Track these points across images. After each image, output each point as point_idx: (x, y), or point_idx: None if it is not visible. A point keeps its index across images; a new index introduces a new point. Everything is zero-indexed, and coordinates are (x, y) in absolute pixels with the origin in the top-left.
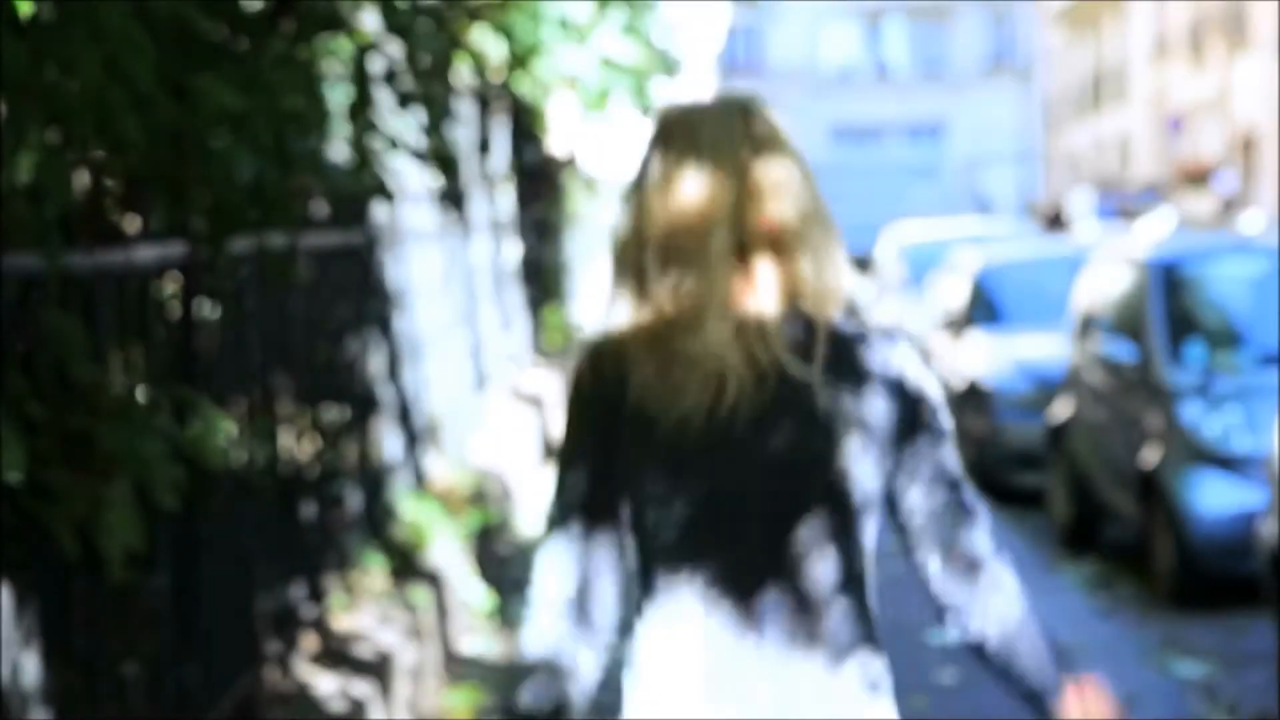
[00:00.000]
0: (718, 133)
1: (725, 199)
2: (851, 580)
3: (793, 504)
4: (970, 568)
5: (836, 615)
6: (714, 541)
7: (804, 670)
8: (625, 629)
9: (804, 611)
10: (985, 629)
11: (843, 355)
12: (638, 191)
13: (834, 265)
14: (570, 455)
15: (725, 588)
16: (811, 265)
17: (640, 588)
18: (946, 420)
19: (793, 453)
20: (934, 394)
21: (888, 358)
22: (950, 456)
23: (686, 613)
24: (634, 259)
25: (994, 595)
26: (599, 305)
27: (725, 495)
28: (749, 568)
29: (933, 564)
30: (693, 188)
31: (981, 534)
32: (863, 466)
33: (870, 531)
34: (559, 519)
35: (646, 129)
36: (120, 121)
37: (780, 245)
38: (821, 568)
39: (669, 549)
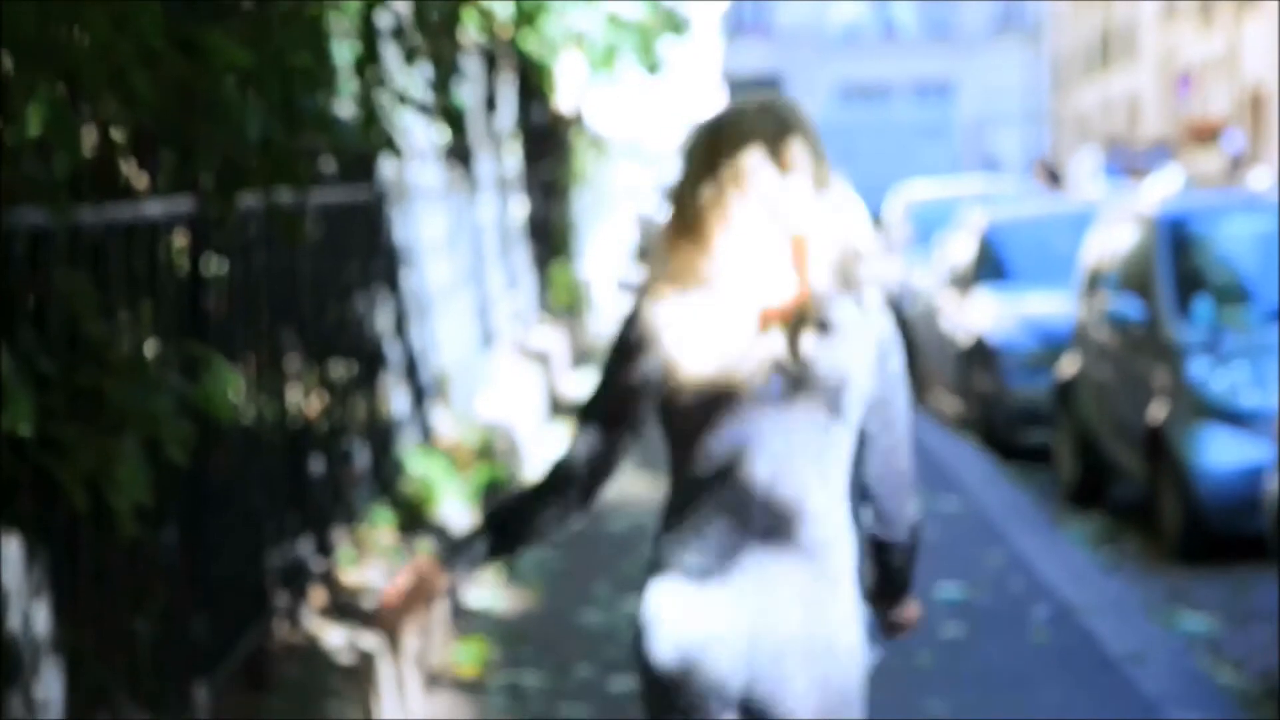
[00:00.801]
0: (755, 144)
1: (752, 203)
2: (838, 498)
3: (792, 440)
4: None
5: (827, 528)
6: (726, 470)
7: (789, 572)
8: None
9: (796, 525)
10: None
11: (837, 321)
12: (683, 184)
13: (842, 253)
14: (601, 382)
15: (734, 507)
16: (824, 257)
17: (667, 507)
18: (903, 370)
19: (795, 399)
20: (899, 349)
21: (869, 321)
22: (904, 399)
23: (700, 529)
24: (673, 239)
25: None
26: (641, 268)
27: (736, 436)
28: (755, 492)
29: (872, 485)
30: (728, 191)
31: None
32: (851, 409)
33: (848, 457)
34: (580, 423)
35: (685, 121)
36: (130, 76)
37: (800, 244)
38: (815, 493)
39: (689, 478)
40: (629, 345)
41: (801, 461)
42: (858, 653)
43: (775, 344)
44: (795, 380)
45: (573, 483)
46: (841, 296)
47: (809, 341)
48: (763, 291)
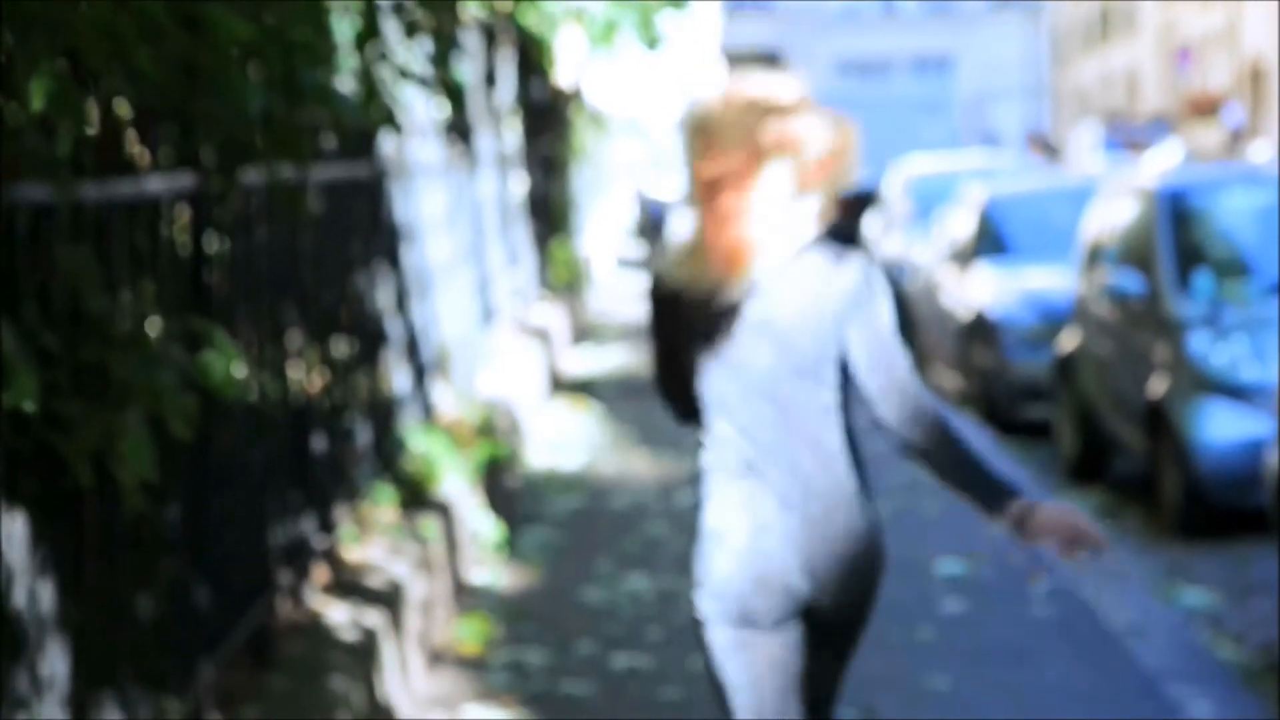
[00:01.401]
0: (738, 131)
1: (740, 178)
2: (830, 416)
3: (786, 375)
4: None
5: (823, 440)
6: (737, 398)
7: (798, 473)
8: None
9: (798, 438)
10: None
11: (823, 274)
12: (685, 159)
13: (820, 218)
14: (652, 338)
15: (748, 432)
16: (804, 219)
17: (703, 430)
18: (888, 317)
19: (786, 343)
20: (883, 297)
21: (851, 274)
22: (893, 342)
23: (727, 448)
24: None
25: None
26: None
27: (741, 371)
28: (762, 415)
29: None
30: (718, 169)
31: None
32: (832, 347)
33: (834, 388)
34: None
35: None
36: (132, 51)
37: (777, 208)
38: (807, 412)
39: (712, 405)
40: (654, 299)
41: (780, 400)
42: (872, 550)
43: (735, 290)
44: (759, 324)
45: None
46: (811, 254)
47: (763, 290)
48: (731, 247)
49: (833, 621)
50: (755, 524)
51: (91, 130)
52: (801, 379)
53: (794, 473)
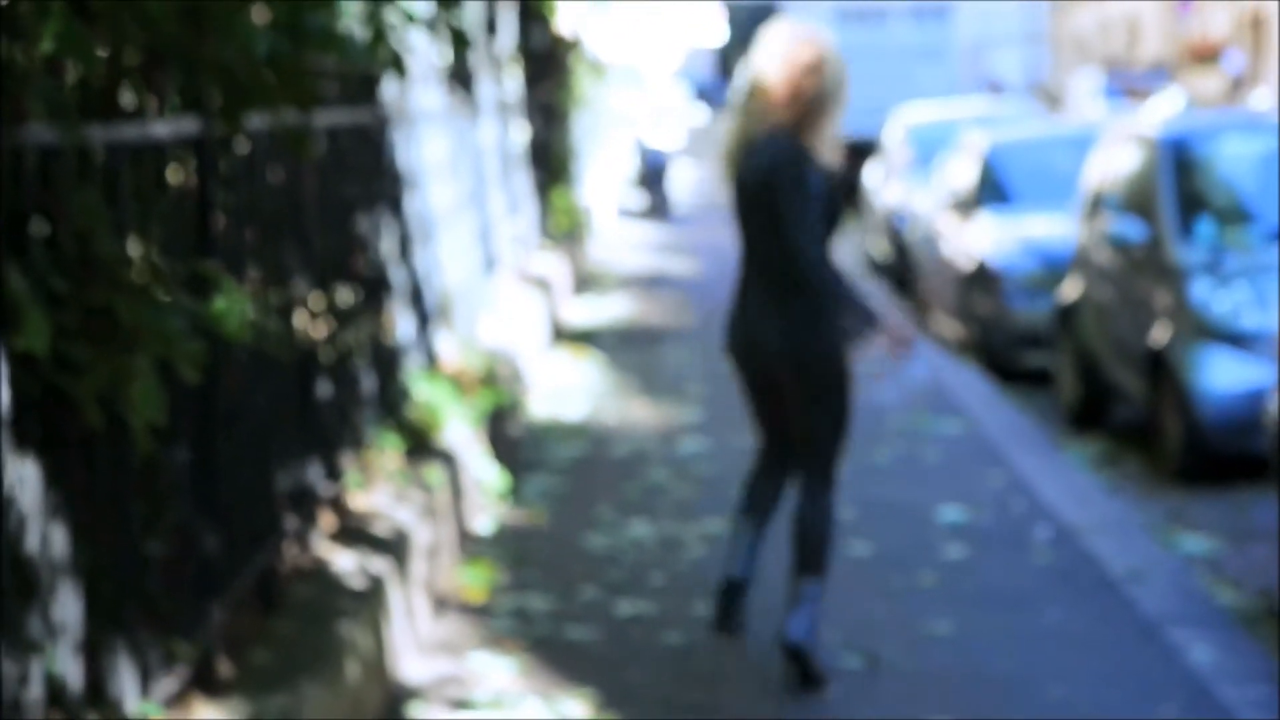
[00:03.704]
0: (777, 54)
1: (774, 88)
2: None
3: (778, 218)
4: None
5: (808, 269)
6: (749, 238)
7: (791, 295)
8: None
9: (791, 266)
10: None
11: (806, 158)
12: (744, 71)
13: (823, 128)
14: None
15: (758, 261)
16: (814, 126)
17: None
18: (793, 183)
19: (758, 196)
20: (791, 170)
21: (782, 152)
22: (787, 198)
23: (743, 271)
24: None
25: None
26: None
27: (754, 223)
28: (770, 253)
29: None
30: (761, 78)
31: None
32: (773, 204)
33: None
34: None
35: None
36: None
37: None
38: (781, 258)
39: (739, 242)
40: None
41: (769, 236)
42: (831, 350)
43: (742, 157)
44: (753, 183)
45: None
46: (778, 136)
47: (751, 158)
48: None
49: (804, 385)
50: (757, 311)
51: (99, 73)
52: (769, 218)
53: (767, 292)
